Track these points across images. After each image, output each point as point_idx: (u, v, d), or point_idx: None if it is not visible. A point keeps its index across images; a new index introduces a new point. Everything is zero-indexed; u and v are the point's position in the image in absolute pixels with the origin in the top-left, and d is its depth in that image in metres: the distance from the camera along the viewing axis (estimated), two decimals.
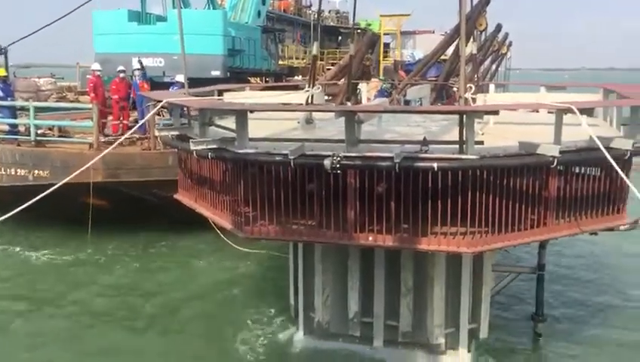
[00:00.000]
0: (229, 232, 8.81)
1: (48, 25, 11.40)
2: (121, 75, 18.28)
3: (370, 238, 7.88)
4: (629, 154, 7.94)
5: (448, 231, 7.68)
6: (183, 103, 8.61)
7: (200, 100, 8.84)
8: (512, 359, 10.04)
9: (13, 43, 16.50)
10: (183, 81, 13.23)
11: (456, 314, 9.90)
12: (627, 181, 7.35)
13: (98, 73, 18.36)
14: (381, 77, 24.55)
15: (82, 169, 7.83)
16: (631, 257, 14.98)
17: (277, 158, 7.56)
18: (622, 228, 9.35)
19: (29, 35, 12.80)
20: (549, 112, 10.14)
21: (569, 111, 7.25)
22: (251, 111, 8.26)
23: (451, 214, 7.51)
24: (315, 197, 7.88)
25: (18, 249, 16.06)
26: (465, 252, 7.69)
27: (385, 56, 36.73)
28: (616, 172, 6.96)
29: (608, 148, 7.53)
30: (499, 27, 26.00)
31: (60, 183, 6.77)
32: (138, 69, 18.91)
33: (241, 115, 7.82)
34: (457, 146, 7.40)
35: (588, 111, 7.60)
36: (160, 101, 8.94)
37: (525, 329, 11.04)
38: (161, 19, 25.92)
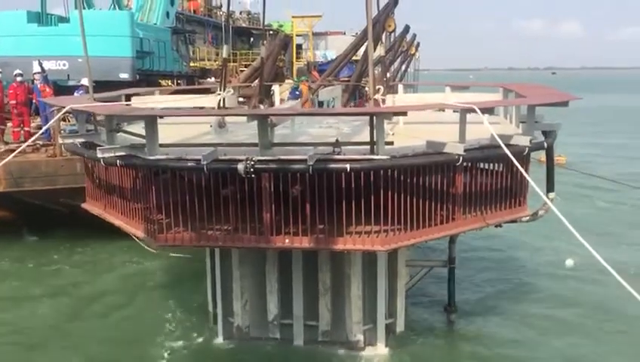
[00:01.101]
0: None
1: None
2: (19, 78, 17.33)
3: (287, 241, 7.92)
4: (527, 150, 8.42)
5: (363, 230, 7.86)
6: (89, 109, 8.29)
7: (107, 106, 8.55)
8: (427, 350, 10.37)
9: None
10: (86, 85, 12.74)
11: (374, 311, 10.15)
12: (526, 175, 7.78)
13: None
14: (295, 78, 24.66)
15: None
16: (530, 246, 15.94)
17: (190, 164, 7.45)
18: (524, 219, 9.93)
19: None
20: (454, 112, 10.60)
21: (472, 110, 7.59)
22: (161, 117, 8.08)
23: (365, 213, 7.68)
24: (230, 201, 7.83)
25: None
26: (379, 250, 7.89)
27: (298, 57, 36.97)
28: (517, 167, 7.39)
29: (509, 145, 7.97)
30: (407, 28, 26.76)
31: None
32: (39, 72, 18.01)
33: (151, 120, 7.63)
34: (369, 147, 7.59)
35: (489, 111, 7.97)
36: (63, 107, 8.55)
37: (439, 321, 11.44)
38: (63, 20, 24.76)
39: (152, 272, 14.29)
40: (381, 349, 10.15)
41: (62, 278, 14.17)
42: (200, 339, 10.74)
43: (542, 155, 10.73)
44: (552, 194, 10.23)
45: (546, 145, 9.24)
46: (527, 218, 9.89)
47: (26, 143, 9.26)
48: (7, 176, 14.38)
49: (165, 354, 10.25)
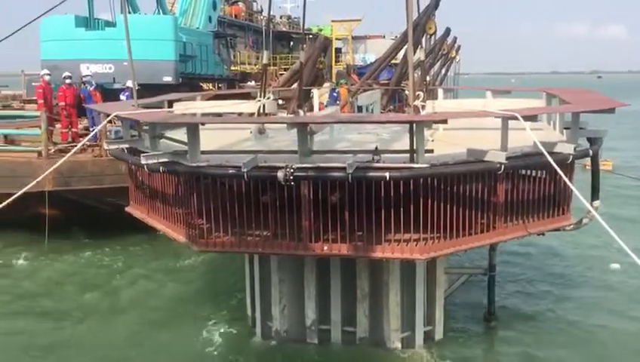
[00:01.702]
0: None
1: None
2: (67, 81, 17.89)
3: (325, 248, 7.95)
4: (571, 158, 8.24)
5: (401, 238, 7.83)
6: (134, 117, 8.48)
7: (151, 114, 8.74)
8: (466, 358, 10.23)
9: None
10: (130, 87, 13.03)
11: (412, 318, 10.08)
12: (570, 185, 7.60)
13: (47, 79, 17.94)
14: (333, 81, 24.70)
15: (41, 177, 7.67)
16: (574, 253, 15.57)
17: (230, 171, 7.55)
18: (567, 228, 9.73)
19: None
20: (495, 117, 10.44)
21: (514, 118, 7.47)
22: (203, 124, 8.21)
23: (404, 221, 7.65)
24: (269, 208, 7.90)
25: None
26: (418, 258, 7.85)
27: (337, 61, 37.01)
28: (560, 175, 7.24)
29: (552, 153, 7.82)
30: (448, 31, 26.51)
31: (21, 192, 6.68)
32: (89, 76, 18.67)
33: (193, 128, 7.77)
34: (408, 155, 7.55)
35: (532, 118, 7.83)
36: (109, 115, 8.78)
37: (478, 328, 11.28)
38: (109, 24, 25.39)
39: (194, 268, 14.53)
40: (419, 357, 10.07)
41: (106, 275, 14.52)
42: (240, 340, 10.84)
43: (587, 161, 10.49)
44: (596, 203, 10.00)
45: (591, 152, 9.04)
46: (571, 226, 9.70)
47: (81, 143, 9.34)
48: (57, 175, 14.81)
49: (205, 350, 10.40)
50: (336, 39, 39.08)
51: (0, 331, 11.52)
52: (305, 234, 7.84)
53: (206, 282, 13.88)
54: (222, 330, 11.02)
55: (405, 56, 18.89)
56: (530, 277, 14.11)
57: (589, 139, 9.76)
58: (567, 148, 8.20)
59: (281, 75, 28.31)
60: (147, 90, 20.28)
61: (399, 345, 10.04)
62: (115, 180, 14.70)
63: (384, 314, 9.95)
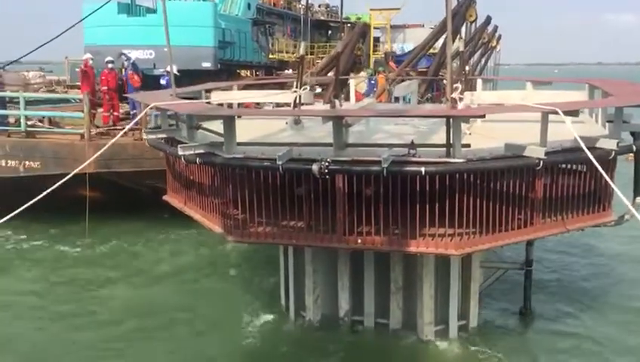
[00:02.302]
0: None
1: (47, 42, 11.25)
2: (110, 65, 18.27)
3: (359, 241, 7.96)
4: (613, 154, 8.02)
5: (436, 232, 7.77)
6: (172, 108, 8.60)
7: (188, 105, 8.84)
8: (501, 353, 10.12)
9: (11, 63, 16.53)
10: (173, 71, 13.18)
11: (446, 311, 10.03)
12: (611, 183, 7.39)
13: (90, 63, 18.34)
14: (370, 68, 24.52)
15: (89, 160, 7.92)
16: (615, 248, 15.19)
17: (265, 164, 7.60)
18: (609, 225, 9.50)
19: (28, 54, 12.73)
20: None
21: (554, 113, 7.30)
22: (239, 117, 8.27)
23: (439, 216, 7.59)
24: (304, 200, 7.95)
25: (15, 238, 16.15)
26: (453, 254, 7.79)
27: (375, 50, 36.63)
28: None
29: (594, 149, 7.64)
30: (488, 19, 25.91)
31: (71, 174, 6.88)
32: (127, 59, 19.01)
33: (229, 120, 7.84)
34: (444, 149, 7.47)
35: (573, 113, 7.65)
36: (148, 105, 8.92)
37: (514, 324, 11.15)
38: (150, 11, 25.78)
39: (228, 254, 14.73)
40: (453, 351, 10.02)
41: (142, 260, 14.85)
42: (273, 328, 10.95)
43: (630, 154, 10.18)
44: (639, 199, 9.74)
45: (634, 148, 8.77)
46: (612, 223, 9.47)
47: (123, 131, 9.43)
48: (98, 158, 15.16)
49: (247, 338, 10.55)
50: (375, 28, 38.68)
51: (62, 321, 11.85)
52: (339, 226, 7.86)
53: (242, 269, 14.05)
54: (257, 318, 11.15)
55: (444, 45, 18.67)
56: (569, 272, 13.85)
57: (633, 133, 9.48)
58: (609, 144, 7.98)
59: (319, 63, 28.20)
60: (186, 75, 20.56)
61: (433, 338, 10.00)
62: (154, 163, 14.93)
63: (418, 307, 9.92)
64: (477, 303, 10.40)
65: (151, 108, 15.93)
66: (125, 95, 15.85)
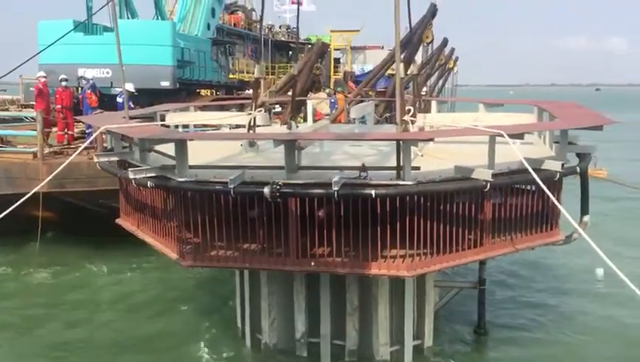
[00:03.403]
0: None
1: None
2: (64, 83, 18.01)
3: (313, 263, 7.96)
4: (558, 176, 8.24)
5: (388, 254, 7.83)
6: (123, 132, 8.52)
7: (139, 128, 8.76)
8: None
9: None
10: (129, 90, 13.08)
11: (401, 332, 10.09)
12: (557, 203, 7.60)
13: (44, 80, 18.03)
14: (328, 89, 24.75)
15: (47, 179, 7.60)
16: (563, 263, 15.60)
17: (217, 187, 7.57)
18: (557, 243, 9.72)
19: None
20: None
21: (500, 135, 7.49)
22: (191, 140, 8.23)
23: (391, 238, 7.66)
24: (257, 223, 7.93)
25: None
26: (405, 275, 7.85)
27: (336, 71, 37.12)
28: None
29: (540, 170, 7.84)
30: (445, 41, 26.39)
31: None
32: (85, 79, 18.84)
33: (181, 143, 7.80)
34: (395, 171, 7.57)
35: (518, 136, 7.86)
36: (98, 128, 8.81)
37: (469, 342, 11.29)
38: (108, 29, 25.52)
39: (184, 278, 14.54)
40: None
41: (91, 285, 14.53)
42: (229, 353, 10.84)
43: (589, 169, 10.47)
44: (586, 218, 10.00)
45: (579, 169, 9.03)
46: (561, 242, 9.69)
47: (77, 152, 9.22)
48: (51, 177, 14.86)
49: None
50: (335, 49, 39.23)
51: None
52: (293, 249, 7.85)
53: (197, 293, 13.87)
54: (213, 344, 11.02)
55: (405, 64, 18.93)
56: (520, 289, 14.14)
57: (579, 155, 9.77)
58: (554, 166, 8.20)
59: None
60: (145, 94, 20.39)
61: (388, 359, 10.03)
62: (109, 182, 14.69)
63: (373, 328, 9.95)
64: (432, 323, 10.50)
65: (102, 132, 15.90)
66: (77, 118, 15.61)
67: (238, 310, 11.09)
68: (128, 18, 26.37)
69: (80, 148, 9.74)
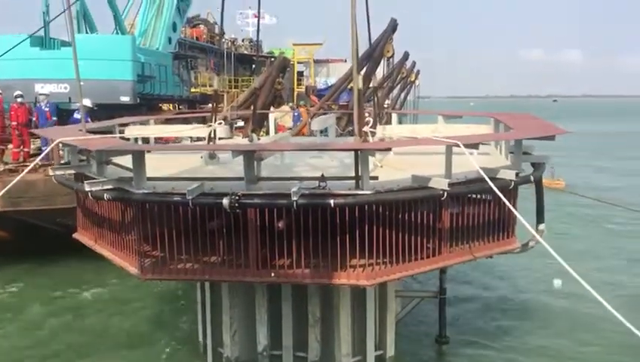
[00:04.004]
0: None
1: None
2: (19, 100, 17.65)
3: (273, 274, 7.93)
4: (513, 184, 8.44)
5: (348, 264, 7.86)
6: (78, 143, 8.39)
7: (95, 140, 8.64)
8: None
9: None
10: (86, 106, 12.87)
11: (363, 342, 10.11)
12: (514, 210, 7.79)
13: None
14: (291, 102, 24.85)
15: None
16: (521, 271, 15.92)
17: (175, 198, 7.50)
18: (514, 251, 9.92)
19: None
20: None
21: (456, 145, 7.64)
22: (148, 151, 8.16)
23: (350, 247, 7.69)
24: (217, 235, 7.88)
25: None
26: (364, 284, 7.88)
27: (299, 84, 37.33)
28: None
29: (495, 179, 8.02)
30: (406, 55, 26.84)
31: None
32: (44, 95, 18.47)
33: (138, 155, 7.72)
34: (354, 181, 7.64)
35: (474, 146, 8.03)
36: (53, 140, 8.66)
37: (430, 352, 11.39)
38: (65, 44, 25.16)
39: (144, 294, 14.31)
40: None
41: (48, 303, 14.18)
42: None
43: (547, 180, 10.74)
44: (542, 226, 10.22)
45: (532, 178, 9.26)
46: (518, 250, 9.89)
47: (30, 167, 9.04)
48: (5, 196, 14.50)
49: None
50: (298, 63, 39.47)
51: None
52: (253, 260, 7.82)
53: (157, 308, 13.67)
54: (172, 358, 10.86)
55: (364, 78, 19.16)
56: (480, 296, 14.36)
57: (533, 164, 10.02)
58: (509, 175, 8.39)
59: None
60: (104, 109, 20.13)
61: None
62: (66, 201, 14.44)
63: (335, 339, 9.95)
64: (394, 332, 10.56)
65: (57, 145, 15.61)
66: (32, 131, 15.33)
67: (200, 324, 10.96)
68: (87, 32, 26.06)
69: (34, 162, 9.63)
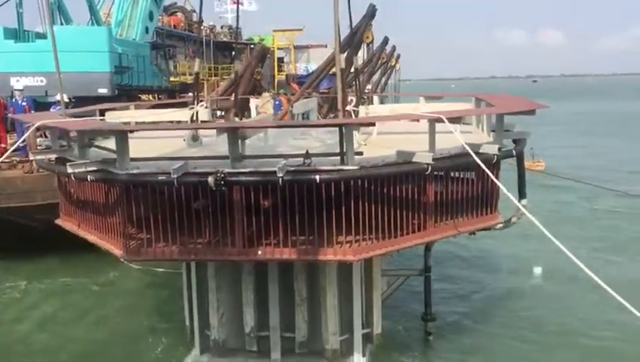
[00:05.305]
0: None
1: None
2: None
3: (260, 252, 7.95)
4: (496, 158, 8.53)
5: (335, 240, 7.90)
6: (60, 125, 8.29)
7: (77, 122, 8.56)
8: (405, 359, 10.42)
9: None
10: (64, 99, 12.67)
11: (350, 321, 10.16)
12: (497, 182, 7.91)
13: None
14: (273, 90, 24.77)
15: None
16: (504, 251, 16.14)
17: (160, 178, 7.46)
18: (497, 227, 10.04)
19: None
20: (427, 121, 10.71)
21: (440, 120, 7.70)
22: (132, 132, 8.10)
23: (337, 224, 7.74)
24: (202, 214, 7.85)
25: None
26: (351, 260, 7.94)
27: (279, 71, 37.17)
28: (487, 175, 7.53)
29: (478, 154, 8.09)
30: (386, 40, 26.97)
31: None
32: (19, 90, 18.13)
33: (121, 135, 7.65)
34: (339, 158, 7.66)
35: (457, 120, 8.10)
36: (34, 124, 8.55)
37: (416, 330, 11.50)
38: (40, 36, 24.77)
39: (129, 286, 14.24)
40: (358, 359, 10.16)
41: (37, 293, 14.05)
42: (177, 354, 10.68)
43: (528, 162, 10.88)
44: (524, 201, 10.34)
45: (515, 152, 9.38)
46: (501, 225, 10.01)
47: (3, 157, 9.00)
48: None
49: None
50: (279, 49, 39.29)
51: None
52: (239, 239, 7.80)
53: (140, 295, 13.62)
54: (158, 342, 10.83)
55: (346, 64, 19.16)
56: (465, 275, 14.55)
57: (515, 141, 10.13)
58: (492, 149, 8.49)
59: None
60: (82, 102, 19.86)
61: (338, 348, 10.09)
62: (47, 196, 14.28)
63: (322, 318, 9.98)
64: (380, 311, 10.63)
65: (43, 133, 15.39)
66: (12, 116, 15.08)
67: (186, 307, 10.93)
68: (62, 24, 25.66)
69: (9, 151, 9.47)
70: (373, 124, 7.89)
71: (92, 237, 9.05)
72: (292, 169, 7.35)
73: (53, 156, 9.48)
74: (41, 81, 22.60)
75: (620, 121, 59.50)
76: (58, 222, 9.99)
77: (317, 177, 7.27)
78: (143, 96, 29.73)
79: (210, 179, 7.20)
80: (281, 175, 7.18)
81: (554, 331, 11.56)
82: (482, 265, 15.58)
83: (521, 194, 10.37)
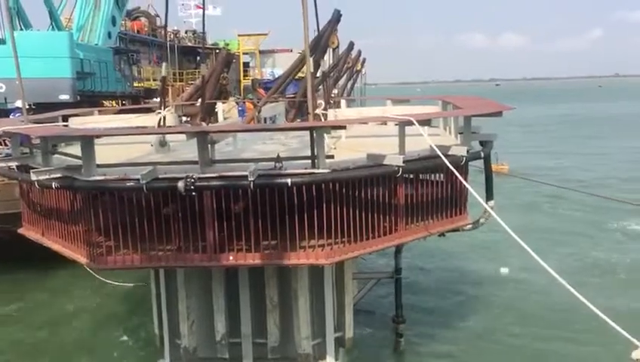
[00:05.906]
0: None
1: None
2: None
3: (231, 258, 7.85)
4: (464, 160, 8.62)
5: (307, 244, 7.85)
6: (20, 131, 8.05)
7: (41, 128, 8.33)
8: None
9: None
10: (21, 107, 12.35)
11: (322, 325, 10.12)
12: (466, 183, 7.98)
13: None
14: (238, 96, 24.63)
15: None
16: (472, 253, 16.33)
17: (128, 184, 7.30)
18: (466, 228, 10.14)
19: None
20: (395, 125, 10.78)
21: (409, 123, 7.75)
22: (98, 137, 7.92)
23: (308, 227, 7.69)
24: (172, 220, 7.72)
25: None
26: (323, 263, 7.90)
27: (245, 75, 36.97)
28: (456, 177, 7.59)
29: (447, 156, 8.16)
30: (351, 45, 27.03)
31: None
32: None
33: (87, 141, 7.47)
34: (310, 161, 7.63)
35: (427, 122, 8.15)
36: None
37: (387, 332, 11.53)
38: None
39: (99, 300, 13.92)
40: None
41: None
42: (147, 360, 10.48)
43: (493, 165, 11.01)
44: (491, 202, 10.47)
45: (482, 154, 9.49)
46: (469, 226, 10.11)
47: None
48: None
49: None
50: (244, 53, 39.11)
51: None
52: (210, 245, 7.70)
53: (108, 306, 13.33)
54: (127, 352, 10.60)
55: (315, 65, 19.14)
56: (435, 278, 14.66)
57: (482, 142, 10.25)
58: (461, 151, 8.57)
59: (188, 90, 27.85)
60: (43, 109, 19.35)
61: (311, 353, 10.04)
62: (8, 206, 13.88)
63: (294, 323, 9.92)
64: (352, 314, 10.61)
65: (3, 141, 14.94)
66: None
67: (155, 317, 10.72)
68: (21, 29, 25.04)
69: None
70: (344, 127, 7.89)
71: (56, 246, 8.81)
72: (263, 173, 7.30)
73: (14, 164, 9.20)
74: (0, 87, 22.01)
75: (577, 123, 61.02)
76: (21, 231, 9.70)
77: (289, 181, 7.22)
78: (106, 102, 29.18)
79: (180, 184, 7.08)
80: (252, 179, 7.11)
81: (517, 334, 11.75)
82: (454, 266, 15.76)
83: (489, 196, 10.50)
